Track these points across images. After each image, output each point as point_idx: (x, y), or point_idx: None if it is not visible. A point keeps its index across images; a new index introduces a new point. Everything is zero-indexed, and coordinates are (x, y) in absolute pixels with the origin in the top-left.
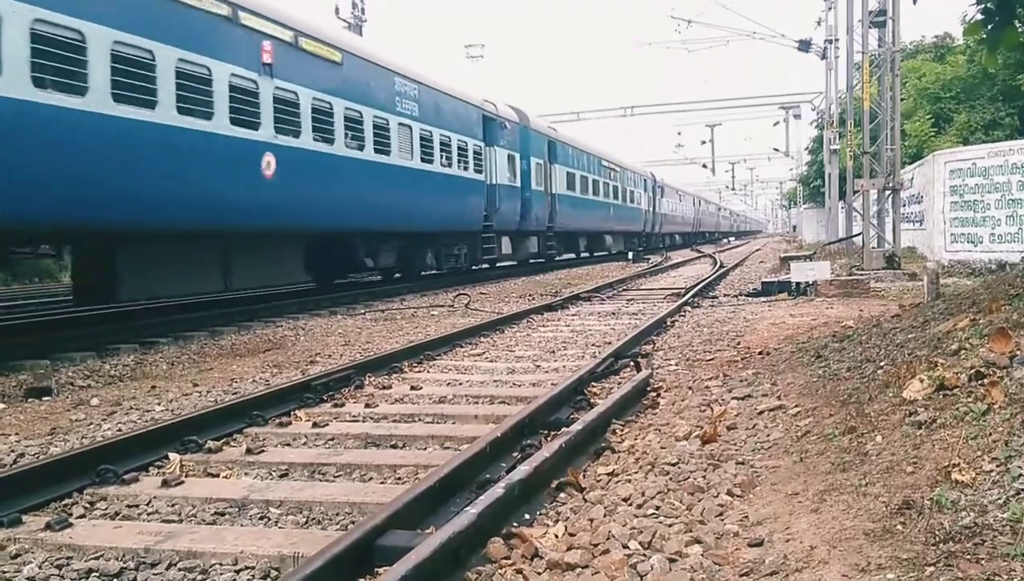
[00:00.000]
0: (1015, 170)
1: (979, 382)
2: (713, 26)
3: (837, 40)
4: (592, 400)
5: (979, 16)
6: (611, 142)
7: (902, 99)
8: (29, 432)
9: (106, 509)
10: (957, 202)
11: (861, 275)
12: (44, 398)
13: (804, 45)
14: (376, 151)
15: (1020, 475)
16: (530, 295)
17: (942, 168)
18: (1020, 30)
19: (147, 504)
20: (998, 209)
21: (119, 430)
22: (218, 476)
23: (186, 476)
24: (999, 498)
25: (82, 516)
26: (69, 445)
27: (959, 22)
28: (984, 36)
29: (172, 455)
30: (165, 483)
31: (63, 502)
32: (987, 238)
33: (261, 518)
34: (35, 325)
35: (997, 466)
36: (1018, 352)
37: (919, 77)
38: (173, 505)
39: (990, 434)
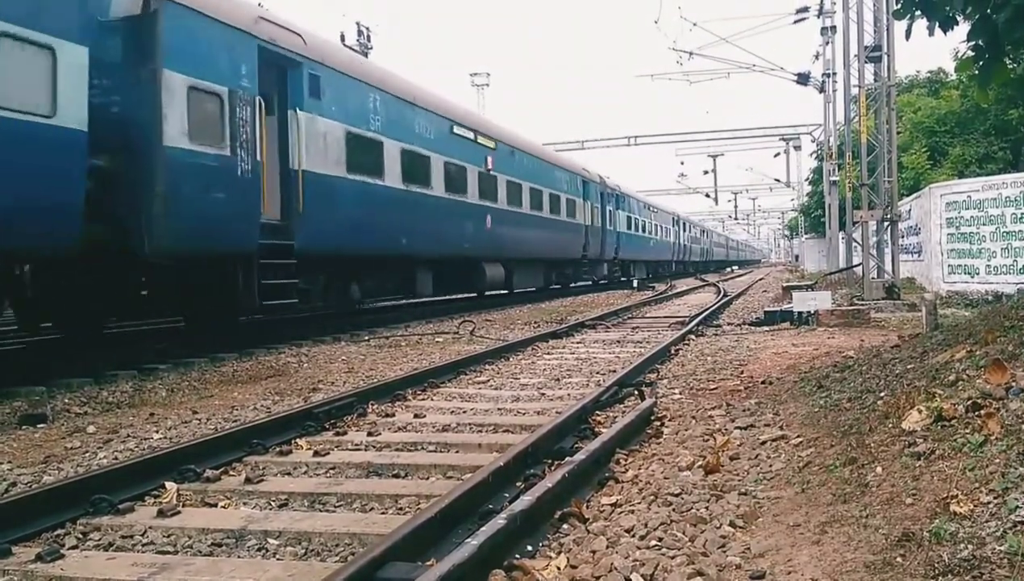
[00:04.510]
0: (1008, 203)
1: (976, 413)
2: (714, 58)
3: (835, 74)
4: (596, 429)
5: (970, 53)
6: (615, 171)
7: (898, 132)
8: (22, 460)
9: (99, 540)
10: (953, 234)
11: (862, 305)
12: (39, 425)
13: (803, 78)
14: (538, 208)
15: (1016, 507)
16: (535, 322)
17: (938, 200)
18: (1010, 66)
19: (142, 535)
20: (993, 241)
21: (115, 458)
22: (216, 506)
23: (183, 506)
24: (996, 530)
25: (74, 547)
26: (63, 474)
27: (951, 58)
28: (976, 72)
29: (169, 484)
30: (161, 513)
31: (55, 533)
32: (983, 270)
33: (259, 549)
34: (31, 351)
35: (994, 498)
36: (1013, 383)
37: (915, 111)
38: (169, 536)
39: (987, 465)
